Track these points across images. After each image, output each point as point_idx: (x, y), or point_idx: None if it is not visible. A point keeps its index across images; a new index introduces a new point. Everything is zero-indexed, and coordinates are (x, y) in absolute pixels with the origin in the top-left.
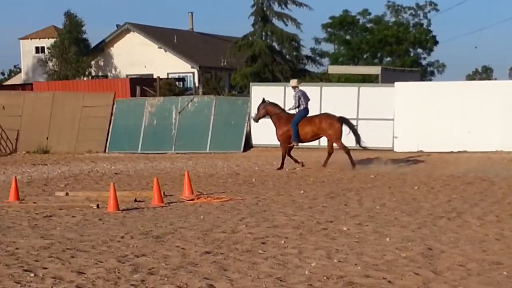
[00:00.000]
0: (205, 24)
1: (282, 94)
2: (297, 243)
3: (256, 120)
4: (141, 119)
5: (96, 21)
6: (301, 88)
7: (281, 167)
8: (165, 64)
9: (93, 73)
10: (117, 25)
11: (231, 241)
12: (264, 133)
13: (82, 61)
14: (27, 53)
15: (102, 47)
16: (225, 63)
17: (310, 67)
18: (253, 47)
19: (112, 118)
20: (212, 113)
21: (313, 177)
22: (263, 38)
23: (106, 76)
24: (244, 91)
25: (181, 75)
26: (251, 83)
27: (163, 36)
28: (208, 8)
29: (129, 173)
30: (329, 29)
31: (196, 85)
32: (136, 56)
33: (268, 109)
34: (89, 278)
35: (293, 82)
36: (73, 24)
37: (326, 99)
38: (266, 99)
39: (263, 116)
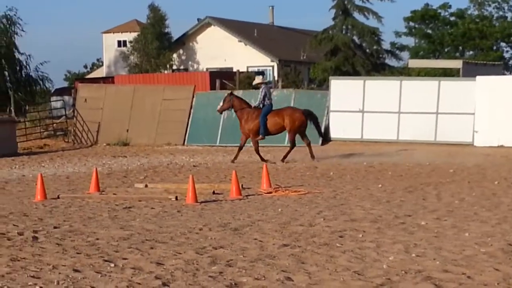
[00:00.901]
0: (286, 17)
1: (361, 88)
2: (375, 237)
3: (220, 111)
4: None
5: (177, 15)
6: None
7: (262, 159)
8: (245, 57)
9: (174, 67)
10: (198, 19)
11: (308, 234)
12: (343, 127)
13: (163, 56)
14: (109, 47)
15: (183, 41)
16: (304, 57)
17: (390, 61)
18: (333, 41)
19: (192, 111)
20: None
21: (391, 171)
22: (344, 32)
23: (186, 70)
24: (323, 85)
25: (261, 68)
26: (330, 77)
27: (243, 30)
28: (288, 1)
29: (207, 165)
30: (410, 23)
31: (276, 78)
32: (216, 49)
33: (234, 103)
34: (168, 269)
35: (258, 79)
36: (157, 18)
37: (406, 93)
38: (234, 92)
39: (227, 109)
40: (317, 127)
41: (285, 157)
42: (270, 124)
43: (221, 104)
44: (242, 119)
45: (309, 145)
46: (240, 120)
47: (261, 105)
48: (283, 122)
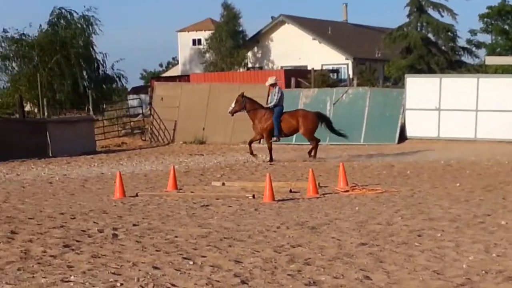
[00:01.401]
0: (360, 15)
1: (437, 86)
2: (454, 236)
3: (232, 113)
4: None
5: (251, 13)
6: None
7: (271, 159)
8: (319, 55)
9: (249, 65)
10: (272, 17)
11: (386, 233)
12: (419, 125)
13: (237, 54)
14: (184, 46)
15: (258, 39)
16: (379, 54)
17: (466, 59)
18: (408, 38)
19: None
20: (367, 104)
21: (469, 169)
22: (418, 29)
23: (261, 68)
24: (399, 83)
25: (335, 66)
26: (406, 75)
27: (317, 28)
28: None
29: (283, 164)
30: (486, 19)
31: (350, 76)
32: (291, 47)
33: (246, 105)
34: (246, 267)
35: (271, 79)
36: (230, 16)
37: (483, 90)
38: (245, 94)
39: (239, 110)
40: (331, 128)
41: (314, 155)
42: (284, 125)
43: (232, 105)
44: (256, 120)
45: (316, 146)
46: (253, 121)
47: (272, 107)
48: (296, 124)
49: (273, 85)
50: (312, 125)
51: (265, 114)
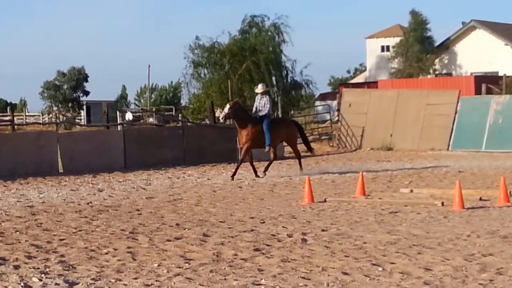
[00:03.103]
0: None
1: None
2: None
3: (224, 119)
4: (486, 117)
5: (441, 19)
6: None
7: (234, 174)
8: (511, 61)
9: (437, 71)
10: (462, 22)
11: None
12: None
13: (425, 60)
14: (372, 52)
15: (447, 45)
16: None
17: None
18: None
19: (456, 116)
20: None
21: None
22: None
23: (450, 74)
24: None
25: None
26: None
27: (510, 33)
28: None
29: (473, 171)
30: None
31: None
32: (481, 53)
33: (237, 113)
34: (437, 275)
35: (261, 88)
36: (418, 23)
37: None
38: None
39: (233, 117)
40: (304, 137)
41: (300, 166)
42: (275, 136)
43: (226, 111)
44: (242, 131)
45: (299, 157)
46: (240, 131)
47: (258, 115)
48: (283, 134)
49: (263, 93)
50: (296, 134)
51: (252, 127)
